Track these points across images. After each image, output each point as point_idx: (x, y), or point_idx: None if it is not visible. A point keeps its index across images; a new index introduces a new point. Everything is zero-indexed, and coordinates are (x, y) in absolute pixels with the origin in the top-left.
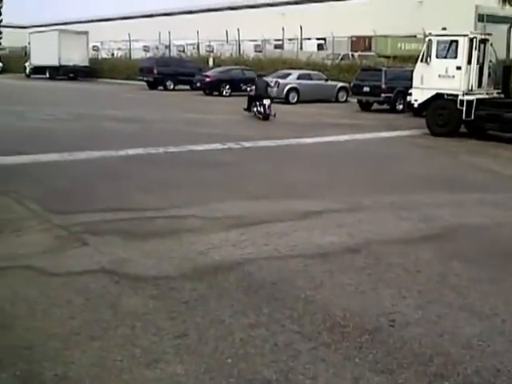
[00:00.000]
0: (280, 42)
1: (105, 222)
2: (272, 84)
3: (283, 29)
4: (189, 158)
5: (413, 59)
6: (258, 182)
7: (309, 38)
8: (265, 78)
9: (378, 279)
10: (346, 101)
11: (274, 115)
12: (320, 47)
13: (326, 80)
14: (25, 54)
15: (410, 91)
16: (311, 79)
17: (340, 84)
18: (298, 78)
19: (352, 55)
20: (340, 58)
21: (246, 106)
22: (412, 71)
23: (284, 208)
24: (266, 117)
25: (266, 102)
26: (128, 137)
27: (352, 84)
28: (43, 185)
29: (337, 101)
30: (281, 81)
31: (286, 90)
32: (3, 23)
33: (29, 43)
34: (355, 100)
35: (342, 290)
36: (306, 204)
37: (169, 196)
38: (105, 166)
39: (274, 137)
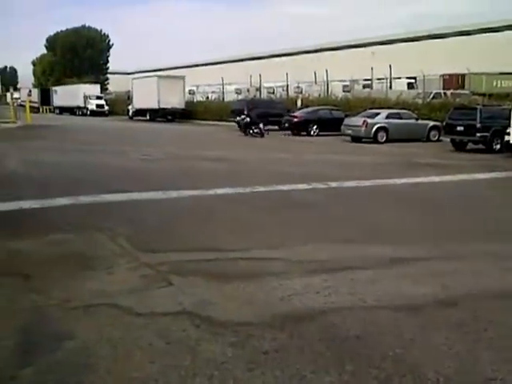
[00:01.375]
0: (369, 82)
1: (190, 261)
2: (360, 123)
3: (372, 68)
4: (275, 198)
5: (510, 97)
6: (343, 224)
7: (398, 77)
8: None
9: (475, 339)
10: (438, 140)
11: (268, 133)
12: (410, 86)
13: (417, 119)
14: (128, 98)
15: (507, 130)
16: (401, 118)
17: (432, 123)
18: (387, 117)
19: (444, 93)
20: (431, 96)
21: (241, 132)
22: (510, 110)
23: (370, 253)
24: (262, 134)
25: (261, 125)
26: (218, 176)
27: (445, 123)
28: (136, 222)
29: (428, 140)
30: (369, 120)
31: (374, 129)
32: (110, 70)
33: (132, 88)
34: (448, 139)
35: (434, 349)
36: (395, 250)
37: (253, 237)
38: (194, 205)
39: (361, 177)
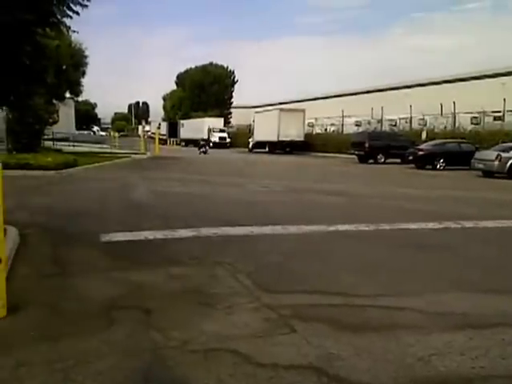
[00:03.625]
0: (500, 114)
1: (313, 306)
2: (493, 157)
3: (504, 100)
4: (401, 238)
5: None
6: (484, 270)
7: None
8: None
9: None
10: None
11: None
12: None
13: None
14: (249, 131)
15: None
16: None
17: None
18: None
19: None
20: None
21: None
22: None
23: None
24: None
25: None
26: (338, 211)
27: None
28: (256, 258)
29: None
30: (503, 154)
31: (509, 164)
32: (234, 104)
33: (253, 121)
34: None
35: None
36: None
37: (379, 281)
38: (315, 242)
39: (500, 216)
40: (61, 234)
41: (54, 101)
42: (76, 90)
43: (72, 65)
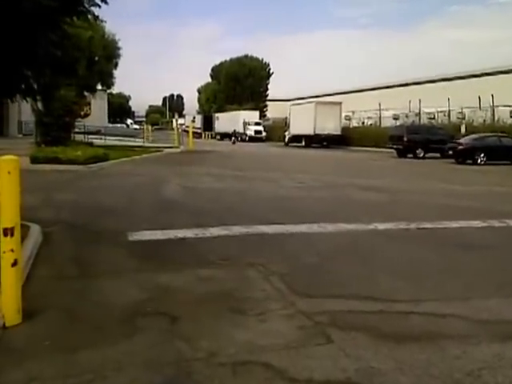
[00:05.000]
0: None
1: (351, 312)
2: None
3: None
4: (443, 237)
5: None
6: None
7: None
8: None
9: None
10: None
11: None
12: None
13: None
14: (285, 124)
15: None
16: None
17: None
18: None
19: None
20: None
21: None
22: None
23: None
24: None
25: None
26: (377, 208)
27: None
28: (291, 259)
29: None
30: None
31: None
32: (269, 97)
33: (289, 114)
34: None
35: None
36: None
37: (421, 285)
38: (353, 242)
39: None
40: (86, 232)
41: (86, 93)
42: (108, 81)
43: (104, 56)
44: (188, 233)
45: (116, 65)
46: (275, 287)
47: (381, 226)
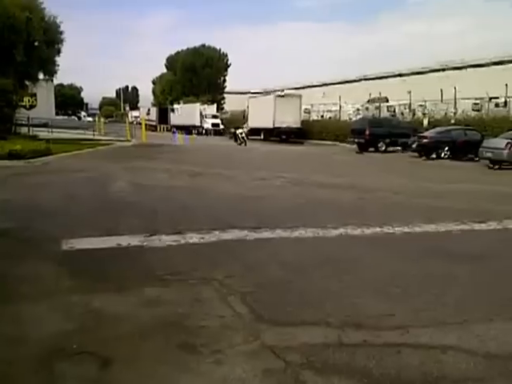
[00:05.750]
0: (501, 100)
1: (329, 346)
2: (502, 146)
3: (506, 85)
4: (424, 244)
5: None
6: None
7: None
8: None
9: None
10: None
11: None
12: None
13: None
14: (243, 117)
15: None
16: None
17: None
18: None
19: None
20: None
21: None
22: None
23: None
24: None
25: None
26: (348, 210)
27: None
28: (253, 273)
29: None
30: None
31: None
32: (227, 89)
33: (247, 107)
34: None
35: None
36: None
37: (409, 305)
38: (324, 250)
39: None
40: (13, 240)
41: (27, 82)
42: (50, 69)
43: (45, 41)
44: (134, 240)
45: (59, 51)
46: (235, 312)
47: (355, 231)
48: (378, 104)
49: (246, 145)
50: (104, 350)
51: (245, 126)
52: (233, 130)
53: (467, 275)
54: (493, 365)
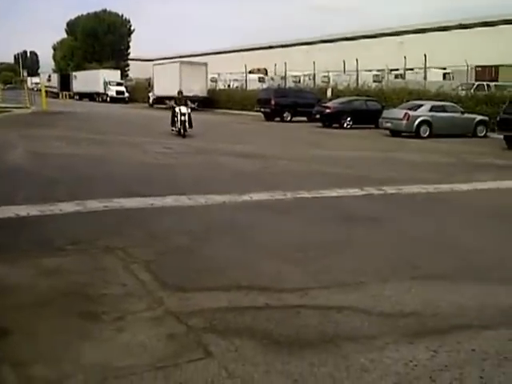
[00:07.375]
0: (400, 72)
1: (232, 310)
2: (400, 116)
3: (405, 58)
4: (324, 207)
5: None
6: (423, 247)
7: (430, 68)
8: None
9: None
10: (485, 136)
11: None
12: (447, 77)
13: (463, 113)
14: (149, 85)
15: None
16: (445, 111)
17: (479, 117)
18: (431, 110)
19: (487, 85)
20: (474, 88)
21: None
22: None
23: (482, 299)
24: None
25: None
26: (250, 177)
27: (498, 118)
28: (157, 241)
29: (474, 136)
30: (411, 113)
31: (416, 122)
32: (131, 56)
33: (153, 74)
34: (498, 136)
35: None
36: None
37: (308, 267)
38: (227, 217)
39: (419, 180)
40: None
41: None
42: None
43: None
44: (32, 209)
45: None
46: (138, 279)
47: (256, 197)
48: (282, 74)
49: (184, 136)
50: (2, 321)
51: (150, 94)
52: (171, 104)
53: (362, 237)
54: (385, 323)
